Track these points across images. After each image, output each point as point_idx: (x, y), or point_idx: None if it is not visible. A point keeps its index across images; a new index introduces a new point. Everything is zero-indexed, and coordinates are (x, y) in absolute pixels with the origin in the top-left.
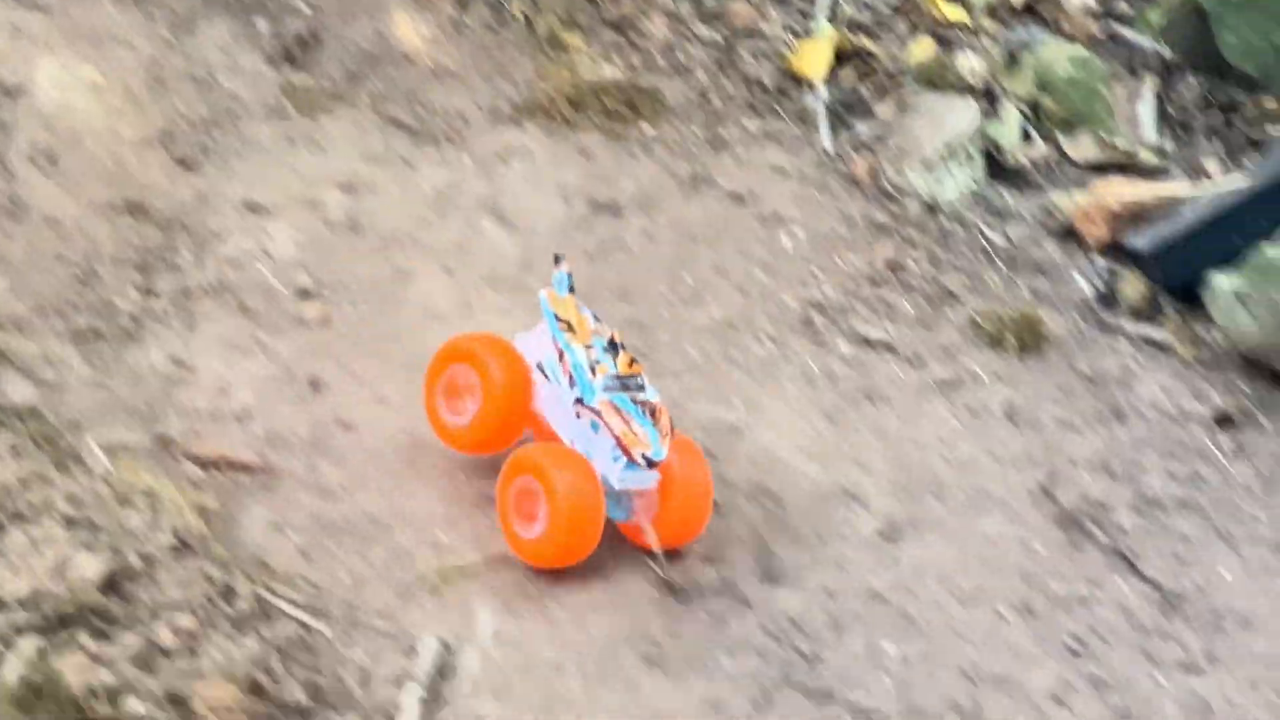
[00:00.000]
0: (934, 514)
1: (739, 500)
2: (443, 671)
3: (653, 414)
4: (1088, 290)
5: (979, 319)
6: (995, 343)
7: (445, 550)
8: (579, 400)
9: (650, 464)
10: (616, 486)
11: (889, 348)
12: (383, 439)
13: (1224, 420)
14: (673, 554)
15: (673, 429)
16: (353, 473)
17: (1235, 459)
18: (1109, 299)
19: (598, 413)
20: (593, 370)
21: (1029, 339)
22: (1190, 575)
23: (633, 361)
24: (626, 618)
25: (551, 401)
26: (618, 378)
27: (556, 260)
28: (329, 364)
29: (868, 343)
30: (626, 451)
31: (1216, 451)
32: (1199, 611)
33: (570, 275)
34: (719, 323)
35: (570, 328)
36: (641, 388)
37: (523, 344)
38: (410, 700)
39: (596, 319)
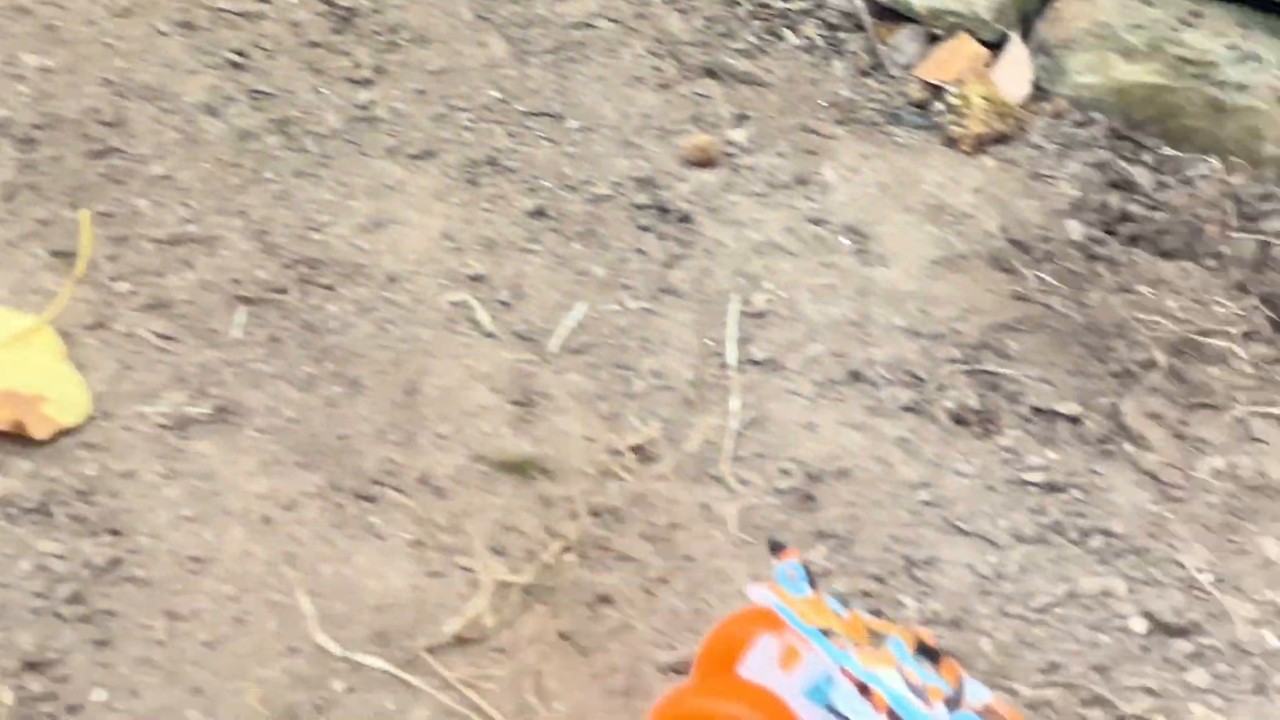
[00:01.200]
0: None
1: None
2: None
3: None
4: None
5: None
6: None
7: None
8: None
9: None
10: None
11: None
12: None
13: None
14: None
15: None
16: None
17: None
18: None
19: None
20: (924, 697)
21: None
22: None
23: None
24: None
25: None
26: (953, 700)
27: (775, 549)
28: None
29: None
30: None
31: None
32: (372, 27)
33: (806, 566)
34: None
35: (841, 637)
36: (961, 691)
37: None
38: None
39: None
